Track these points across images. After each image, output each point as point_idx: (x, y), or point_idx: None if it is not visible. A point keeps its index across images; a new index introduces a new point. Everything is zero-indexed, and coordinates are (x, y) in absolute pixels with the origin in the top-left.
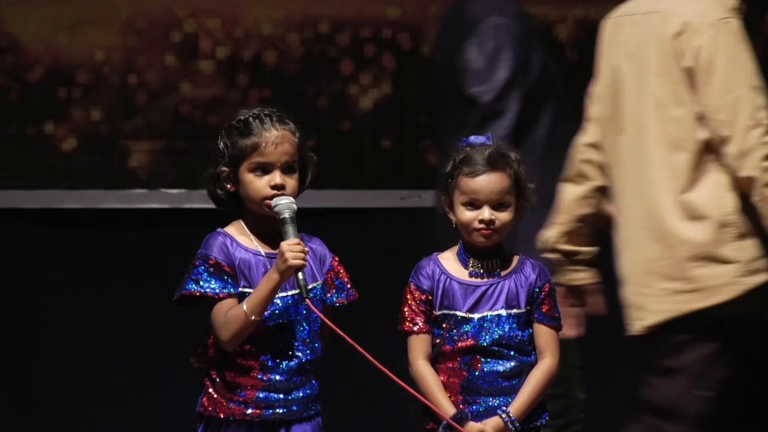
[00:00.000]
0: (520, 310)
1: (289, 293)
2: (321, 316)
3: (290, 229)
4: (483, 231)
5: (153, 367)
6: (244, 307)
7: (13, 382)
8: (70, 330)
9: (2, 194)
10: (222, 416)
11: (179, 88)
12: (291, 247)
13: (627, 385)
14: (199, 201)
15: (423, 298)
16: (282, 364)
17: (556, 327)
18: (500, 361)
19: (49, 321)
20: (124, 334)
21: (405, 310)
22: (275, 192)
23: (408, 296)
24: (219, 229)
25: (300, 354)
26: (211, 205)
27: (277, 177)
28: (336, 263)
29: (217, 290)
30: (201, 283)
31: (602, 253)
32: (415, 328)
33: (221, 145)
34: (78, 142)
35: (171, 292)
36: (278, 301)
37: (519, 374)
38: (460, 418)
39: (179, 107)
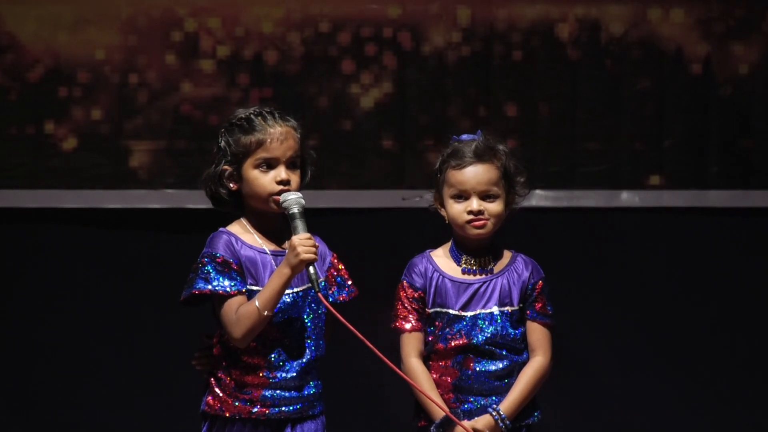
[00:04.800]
0: (513, 308)
1: (295, 290)
2: (332, 309)
3: (300, 223)
4: (475, 222)
5: (153, 367)
6: (256, 303)
7: (12, 382)
8: (70, 329)
9: (2, 194)
10: (227, 415)
11: (180, 87)
12: (302, 241)
13: None
14: (200, 201)
15: (415, 295)
16: (288, 361)
17: (549, 324)
18: (492, 361)
19: (49, 320)
20: (124, 333)
21: (398, 307)
22: (282, 187)
23: (401, 294)
24: (222, 228)
25: (306, 351)
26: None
27: (282, 172)
28: (335, 260)
29: (228, 288)
30: (211, 281)
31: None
32: (407, 326)
33: (222, 143)
34: (78, 141)
35: (171, 292)
36: (286, 298)
37: (510, 374)
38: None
39: (180, 107)
